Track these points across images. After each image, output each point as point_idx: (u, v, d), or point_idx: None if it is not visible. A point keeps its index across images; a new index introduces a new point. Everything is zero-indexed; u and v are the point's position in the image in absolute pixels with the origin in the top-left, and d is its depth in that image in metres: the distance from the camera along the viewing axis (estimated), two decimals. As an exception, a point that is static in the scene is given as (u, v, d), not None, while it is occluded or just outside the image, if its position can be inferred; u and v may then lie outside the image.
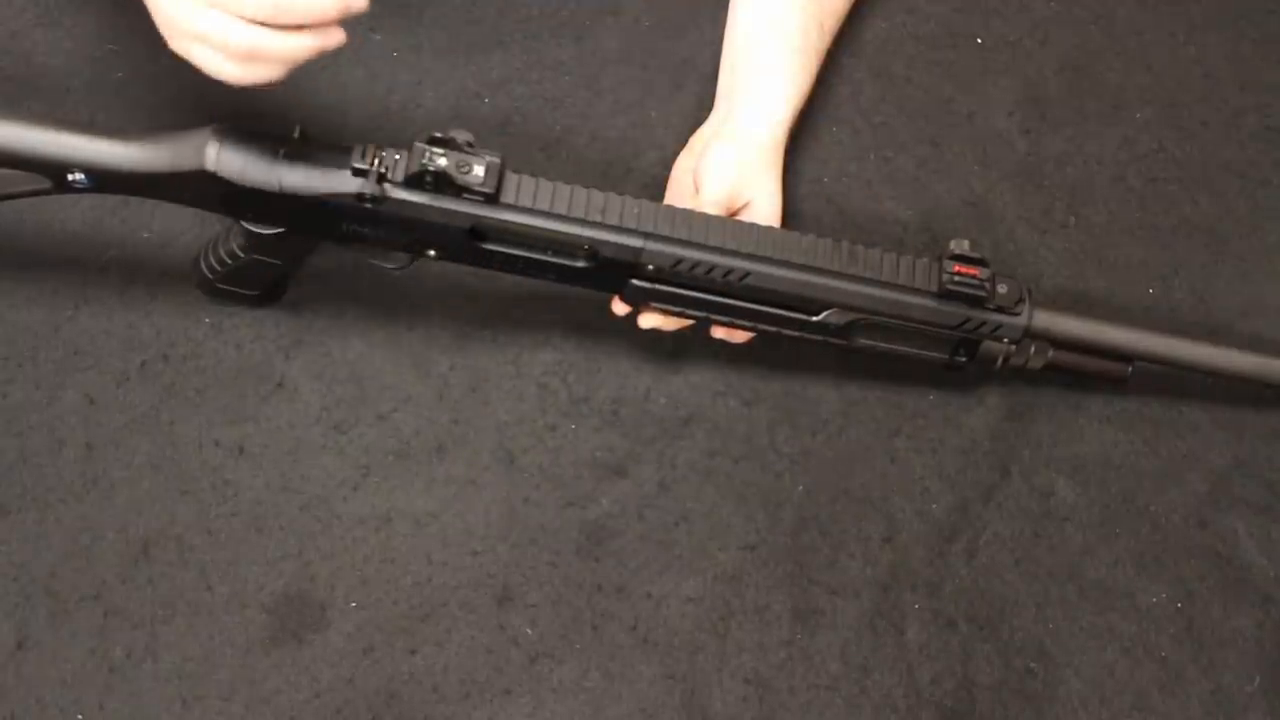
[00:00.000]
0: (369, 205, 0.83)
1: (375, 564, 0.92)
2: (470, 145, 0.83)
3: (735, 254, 0.87)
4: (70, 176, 0.83)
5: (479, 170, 0.83)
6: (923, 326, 0.90)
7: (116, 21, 1.07)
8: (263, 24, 0.76)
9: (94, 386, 0.95)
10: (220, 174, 0.82)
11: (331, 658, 0.90)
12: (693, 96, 1.07)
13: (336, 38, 0.79)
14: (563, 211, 0.85)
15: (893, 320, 0.90)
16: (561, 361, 0.99)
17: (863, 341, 0.91)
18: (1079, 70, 1.13)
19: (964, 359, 0.92)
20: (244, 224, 0.88)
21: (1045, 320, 0.91)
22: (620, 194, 0.87)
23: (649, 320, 0.92)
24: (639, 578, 0.93)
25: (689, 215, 0.87)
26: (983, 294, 0.88)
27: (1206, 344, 0.94)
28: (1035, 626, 0.94)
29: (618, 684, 0.90)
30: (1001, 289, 0.89)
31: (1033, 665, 0.93)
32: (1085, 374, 0.95)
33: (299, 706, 0.88)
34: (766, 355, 0.99)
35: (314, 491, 0.94)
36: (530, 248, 0.87)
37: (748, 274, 0.87)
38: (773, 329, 0.91)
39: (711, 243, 0.87)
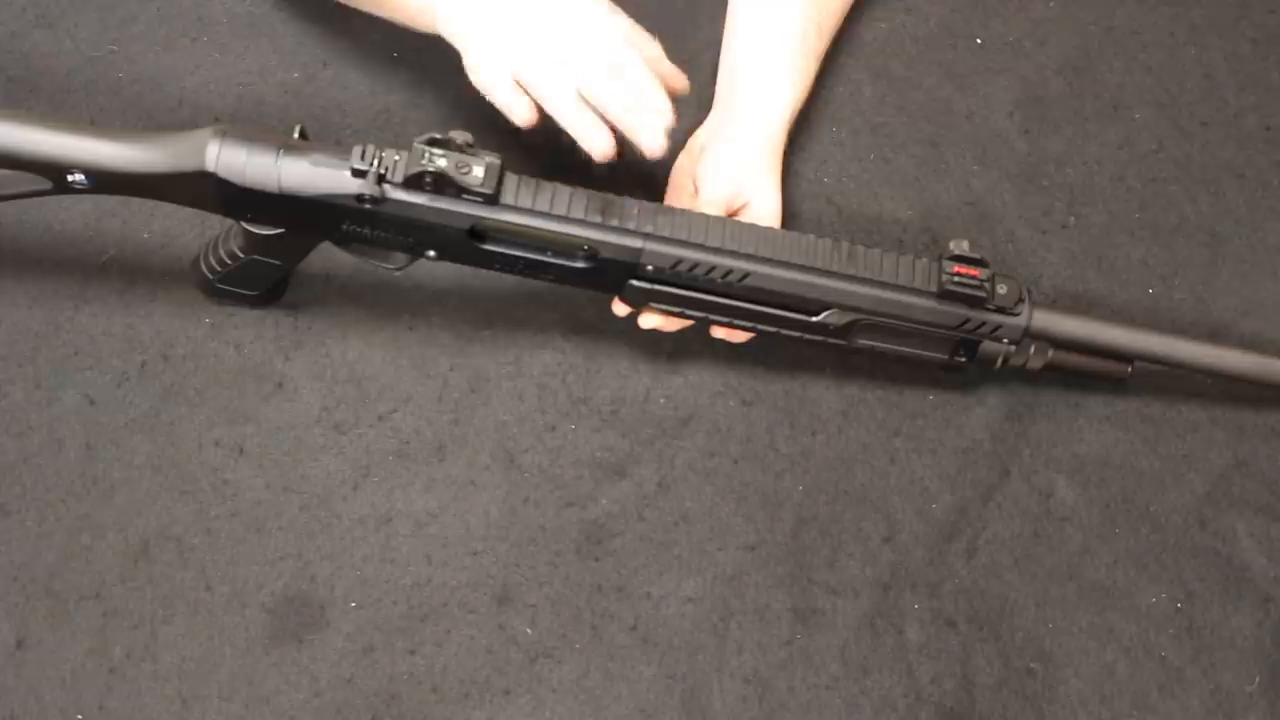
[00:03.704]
0: (368, 206, 0.83)
1: (375, 564, 0.92)
2: (470, 146, 0.83)
3: (735, 254, 0.87)
4: (70, 177, 0.83)
5: (478, 171, 0.83)
6: (922, 327, 0.90)
7: (116, 21, 1.07)
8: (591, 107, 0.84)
9: (94, 386, 0.96)
10: (220, 174, 0.82)
11: (331, 658, 0.90)
12: (693, 97, 1.07)
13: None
14: (562, 212, 0.85)
15: (892, 320, 0.90)
16: (561, 361, 0.99)
17: (862, 342, 0.91)
18: (1079, 70, 1.13)
19: (964, 359, 0.92)
20: (244, 224, 0.88)
21: (1045, 320, 0.91)
22: (619, 194, 0.87)
23: (649, 320, 0.92)
24: (639, 578, 0.93)
25: (688, 216, 0.87)
26: (982, 294, 0.88)
27: (1206, 344, 0.94)
28: (1035, 626, 0.94)
29: (618, 684, 0.91)
30: (1001, 289, 0.89)
31: (1033, 665, 0.93)
32: (1085, 374, 0.95)
33: (299, 706, 0.88)
34: (766, 355, 0.99)
35: (314, 491, 0.94)
36: (530, 248, 0.87)
37: (747, 274, 0.87)
38: (772, 329, 0.91)
39: (711, 243, 0.87)
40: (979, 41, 1.14)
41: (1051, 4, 1.16)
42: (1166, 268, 1.06)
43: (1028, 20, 1.15)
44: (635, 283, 0.89)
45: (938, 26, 1.14)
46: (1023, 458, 0.99)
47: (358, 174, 0.82)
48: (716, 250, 0.87)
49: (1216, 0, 1.17)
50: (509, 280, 0.91)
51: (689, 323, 0.93)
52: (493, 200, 0.84)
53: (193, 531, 0.92)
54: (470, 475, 0.95)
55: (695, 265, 0.87)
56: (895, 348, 0.92)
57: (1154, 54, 1.15)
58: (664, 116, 0.85)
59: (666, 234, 0.86)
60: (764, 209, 0.95)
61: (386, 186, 0.83)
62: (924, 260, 0.90)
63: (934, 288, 0.89)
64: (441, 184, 0.83)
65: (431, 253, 0.88)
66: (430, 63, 1.08)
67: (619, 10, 0.89)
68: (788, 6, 1.01)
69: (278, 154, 0.83)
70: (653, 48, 0.90)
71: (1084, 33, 1.15)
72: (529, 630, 0.91)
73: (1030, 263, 1.05)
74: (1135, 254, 1.07)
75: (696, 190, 0.95)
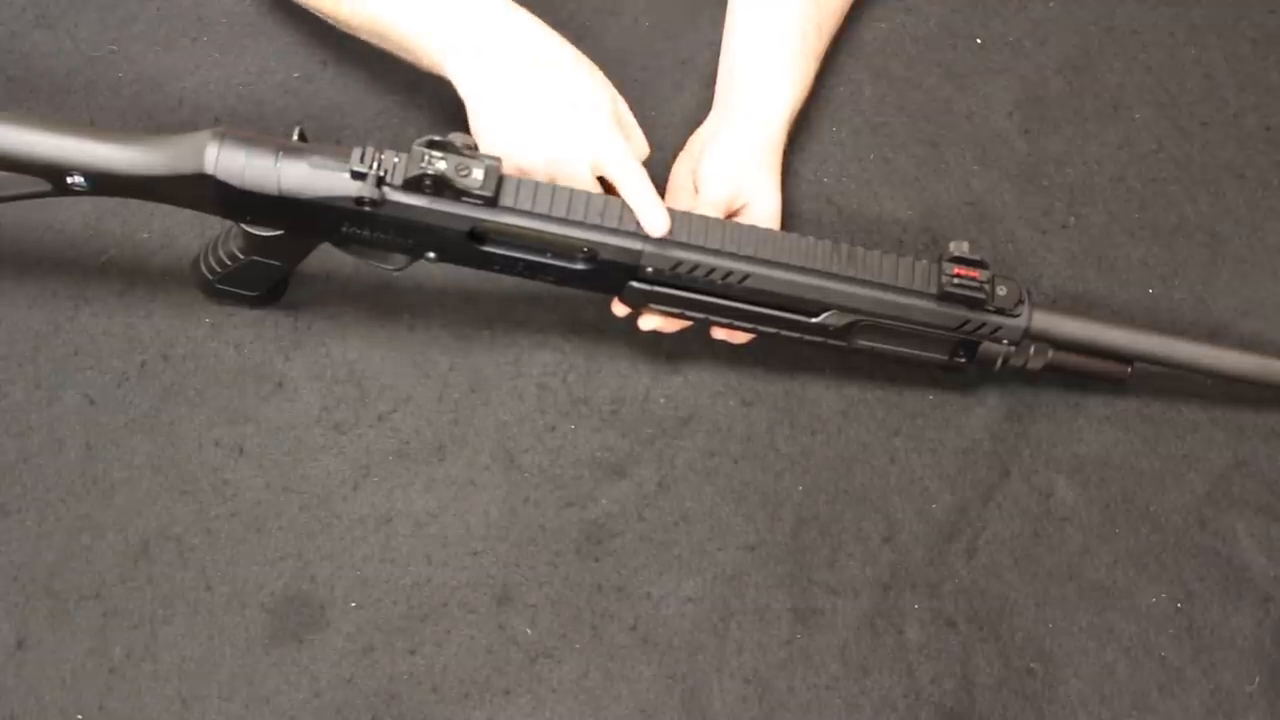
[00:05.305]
0: (368, 208, 0.83)
1: (375, 564, 0.92)
2: (469, 148, 0.83)
3: (734, 256, 0.87)
4: (69, 179, 0.83)
5: (478, 173, 0.83)
6: (922, 328, 0.90)
7: (116, 21, 1.07)
8: None
9: (94, 386, 0.96)
10: (219, 177, 0.82)
11: (331, 658, 0.90)
12: (693, 97, 1.07)
13: None
14: (562, 214, 0.85)
15: (892, 322, 0.90)
16: (561, 361, 0.99)
17: (862, 342, 0.91)
18: (1079, 70, 1.13)
19: (963, 360, 0.92)
20: (243, 226, 0.88)
21: (1044, 321, 0.91)
22: (619, 196, 0.87)
23: (649, 321, 0.92)
24: (639, 578, 0.93)
25: (688, 217, 0.87)
26: (982, 296, 0.88)
27: (1206, 344, 0.94)
28: (1035, 626, 0.94)
29: (618, 684, 0.91)
30: (1001, 290, 0.89)
31: (1033, 665, 0.93)
32: (1085, 374, 0.95)
33: (299, 706, 0.88)
34: (766, 355, 0.99)
35: (314, 491, 0.94)
36: (529, 250, 0.87)
37: (747, 276, 0.87)
38: (772, 330, 0.91)
39: (711, 245, 0.87)
40: (979, 41, 1.14)
41: (1051, 4, 1.16)
42: (1166, 268, 1.06)
43: (1028, 20, 1.15)
44: (635, 284, 0.89)
45: (938, 26, 1.14)
46: (1023, 458, 0.99)
47: (357, 176, 0.82)
48: (716, 252, 0.87)
49: (1216, 0, 1.17)
50: (509, 280, 0.91)
51: (689, 324, 0.93)
52: (492, 202, 0.84)
53: (193, 531, 0.92)
54: (470, 475, 0.95)
55: (695, 267, 0.87)
56: (895, 349, 0.92)
57: (1154, 54, 1.15)
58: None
59: (666, 235, 0.86)
60: (764, 209, 0.95)
61: (386, 189, 0.83)
62: (924, 262, 0.90)
63: (934, 289, 0.89)
64: (441, 186, 0.83)
65: (431, 254, 0.88)
66: (430, 63, 1.08)
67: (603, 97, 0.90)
68: (787, 6, 1.01)
69: (277, 156, 0.83)
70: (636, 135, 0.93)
71: (1084, 33, 1.15)
72: (529, 630, 0.91)
73: (1030, 263, 1.05)
74: (1135, 254, 1.07)
75: (696, 191, 0.95)
